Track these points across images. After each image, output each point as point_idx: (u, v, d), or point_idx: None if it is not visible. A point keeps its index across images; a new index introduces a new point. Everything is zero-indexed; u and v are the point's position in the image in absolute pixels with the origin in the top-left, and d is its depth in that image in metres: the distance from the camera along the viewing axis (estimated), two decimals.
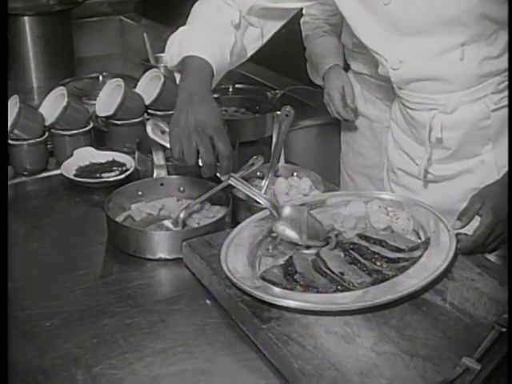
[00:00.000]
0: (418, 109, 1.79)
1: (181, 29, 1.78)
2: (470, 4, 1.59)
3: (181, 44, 1.71)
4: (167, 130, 1.57)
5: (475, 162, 1.79)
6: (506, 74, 1.70)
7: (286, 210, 1.55)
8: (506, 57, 1.68)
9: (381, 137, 2.22)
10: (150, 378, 1.25)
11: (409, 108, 1.82)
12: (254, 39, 1.85)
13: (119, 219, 1.69)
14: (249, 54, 1.86)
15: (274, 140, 1.89)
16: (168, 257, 1.59)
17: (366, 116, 2.30)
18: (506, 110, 1.73)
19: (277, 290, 1.37)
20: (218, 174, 1.54)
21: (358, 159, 2.35)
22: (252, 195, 1.56)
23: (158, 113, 2.17)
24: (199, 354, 1.30)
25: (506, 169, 1.65)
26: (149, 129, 1.59)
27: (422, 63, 1.71)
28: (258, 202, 1.56)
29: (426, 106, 1.77)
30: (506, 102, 1.72)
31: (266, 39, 1.86)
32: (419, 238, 1.55)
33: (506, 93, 1.71)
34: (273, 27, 1.86)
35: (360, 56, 2.22)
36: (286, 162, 1.91)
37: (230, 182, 1.56)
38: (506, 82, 1.70)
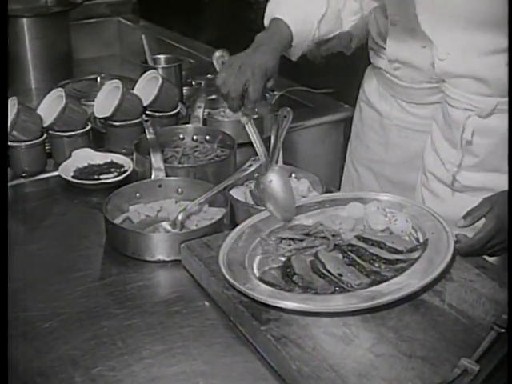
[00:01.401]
0: (455, 106, 1.78)
1: None
2: None
3: (273, 5, 1.83)
4: None
5: (500, 182, 1.72)
6: None
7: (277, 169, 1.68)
8: None
9: (389, 133, 2.22)
10: (148, 380, 1.25)
11: (448, 104, 1.80)
12: (352, 13, 1.90)
13: (117, 221, 1.69)
14: (345, 28, 1.93)
15: (272, 141, 1.89)
16: (166, 259, 1.59)
17: (378, 111, 2.29)
18: None
19: (275, 291, 1.37)
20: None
21: (364, 152, 2.34)
22: (255, 145, 1.73)
23: (156, 114, 2.17)
24: (198, 356, 1.30)
25: None
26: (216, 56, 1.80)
27: (468, 60, 1.70)
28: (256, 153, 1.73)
29: (464, 104, 1.76)
30: None
31: (364, 14, 1.92)
32: (417, 240, 1.55)
33: None
34: (371, 4, 1.91)
35: (380, 50, 2.20)
36: (285, 163, 1.91)
37: (246, 125, 1.72)
38: None
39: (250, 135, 1.74)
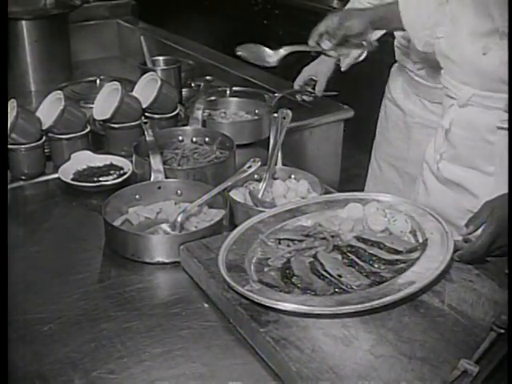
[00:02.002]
0: (446, 94, 1.83)
1: None
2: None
3: None
4: None
5: (476, 181, 1.79)
6: None
7: None
8: None
9: (411, 131, 2.26)
10: (148, 382, 1.25)
11: (444, 93, 1.85)
12: None
13: (117, 223, 1.69)
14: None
15: (271, 142, 1.89)
16: (166, 260, 1.59)
17: (402, 108, 2.32)
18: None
19: (274, 293, 1.37)
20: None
21: (388, 149, 2.38)
22: None
23: (156, 116, 2.17)
24: (197, 358, 1.30)
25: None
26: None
27: (455, 44, 1.74)
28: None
29: (450, 92, 1.80)
30: None
31: None
32: (417, 240, 1.55)
33: None
34: None
35: (405, 50, 2.24)
36: (284, 164, 1.91)
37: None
38: None
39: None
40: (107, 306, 1.46)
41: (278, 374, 1.25)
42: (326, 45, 2.02)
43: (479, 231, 1.50)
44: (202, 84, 2.44)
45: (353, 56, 2.29)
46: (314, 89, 2.44)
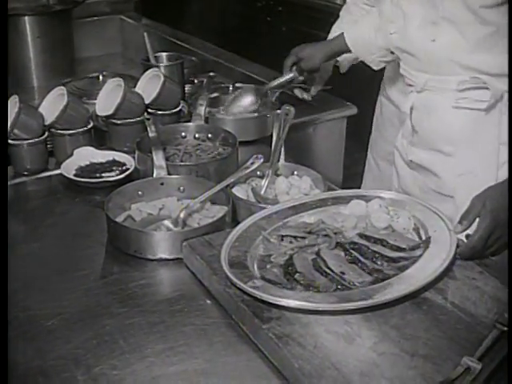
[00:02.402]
0: (406, 82, 1.94)
1: None
2: None
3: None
4: None
5: (438, 161, 1.89)
6: (471, 75, 1.78)
7: None
8: (473, 56, 1.77)
9: None
10: (150, 379, 1.25)
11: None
12: None
13: (119, 219, 1.69)
14: None
15: (274, 139, 1.89)
16: (168, 257, 1.59)
17: (396, 105, 2.32)
18: (467, 113, 1.81)
19: (277, 289, 1.36)
20: None
21: (384, 145, 2.39)
22: None
23: (158, 112, 2.17)
24: (199, 355, 1.30)
25: (465, 179, 1.81)
26: None
27: (406, 35, 1.86)
28: None
29: (408, 80, 1.92)
30: (467, 105, 1.81)
31: None
32: (420, 237, 1.55)
33: (468, 95, 1.80)
34: None
35: None
36: (287, 161, 1.90)
37: None
38: (469, 85, 1.79)
39: None
40: (110, 302, 1.46)
41: (280, 370, 1.25)
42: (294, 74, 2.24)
43: (474, 226, 1.50)
44: (205, 80, 2.45)
45: (350, 59, 2.34)
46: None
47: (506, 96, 1.79)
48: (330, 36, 2.35)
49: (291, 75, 2.21)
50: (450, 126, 1.84)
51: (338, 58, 2.28)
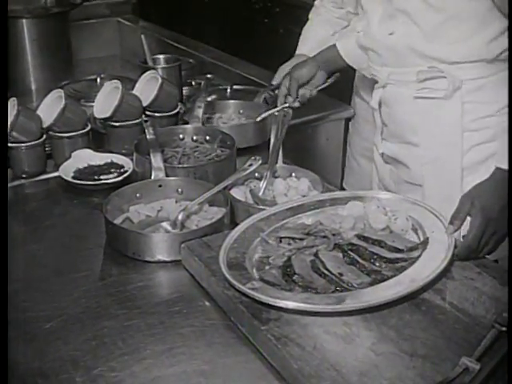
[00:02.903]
0: (373, 78, 1.98)
1: None
2: None
3: None
4: None
5: (406, 152, 1.93)
6: (429, 65, 1.81)
7: None
8: (430, 45, 1.80)
9: None
10: (149, 380, 1.25)
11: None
12: None
13: (118, 221, 1.69)
14: None
15: (272, 140, 1.89)
16: (167, 259, 1.59)
17: (367, 102, 2.36)
18: (428, 102, 1.85)
19: (276, 291, 1.37)
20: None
21: (362, 142, 2.44)
22: None
23: (156, 114, 2.17)
24: (198, 356, 1.30)
25: (432, 167, 1.86)
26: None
27: (369, 32, 1.90)
28: None
29: (374, 76, 1.95)
30: (428, 94, 1.84)
31: None
32: (418, 238, 1.55)
33: (427, 85, 1.83)
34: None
35: None
36: (285, 162, 1.91)
37: None
38: (428, 75, 1.82)
39: None
40: (108, 303, 1.46)
41: (279, 371, 1.25)
42: (289, 99, 2.20)
43: (466, 226, 1.51)
44: (203, 82, 2.45)
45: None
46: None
47: (466, 85, 1.81)
48: (302, 37, 2.43)
49: (286, 105, 2.20)
50: (412, 116, 1.88)
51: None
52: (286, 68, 2.44)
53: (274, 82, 2.43)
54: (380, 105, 1.96)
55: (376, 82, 1.96)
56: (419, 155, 1.89)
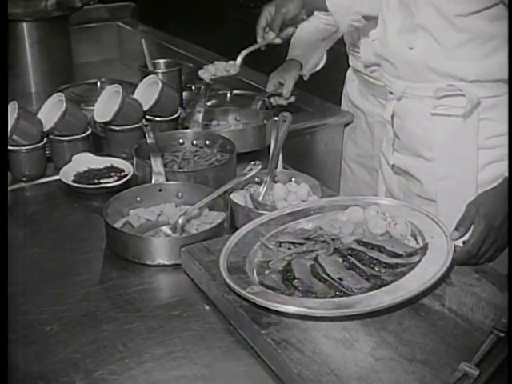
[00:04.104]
0: (387, 90, 1.95)
1: None
2: None
3: None
4: None
5: (419, 166, 1.91)
6: (448, 83, 1.79)
7: None
8: (448, 62, 1.78)
9: (374, 130, 2.38)
10: None
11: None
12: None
13: (118, 225, 1.69)
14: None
15: (271, 146, 1.89)
16: (167, 263, 1.59)
17: (362, 110, 2.42)
18: (445, 120, 1.83)
19: (275, 295, 1.37)
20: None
21: (354, 149, 2.47)
22: None
23: (156, 118, 2.17)
24: (198, 360, 1.30)
25: (446, 183, 1.84)
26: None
27: (386, 43, 1.87)
28: None
29: (388, 88, 1.93)
30: (445, 112, 1.82)
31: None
32: (417, 244, 1.55)
33: (445, 102, 1.81)
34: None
35: (357, 56, 2.33)
36: (284, 167, 1.91)
37: None
38: (446, 92, 1.80)
39: None
40: (108, 307, 1.46)
41: (278, 375, 1.25)
42: (270, 35, 2.22)
43: (469, 232, 1.52)
44: (203, 87, 2.45)
45: (312, 64, 2.52)
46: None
47: (483, 102, 1.79)
48: (292, 43, 2.49)
49: (267, 41, 2.23)
50: (428, 132, 1.86)
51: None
52: (276, 75, 2.47)
53: (268, 90, 2.45)
54: (393, 116, 1.94)
55: (390, 92, 1.94)
56: (433, 170, 1.87)
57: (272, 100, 2.46)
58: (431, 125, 1.85)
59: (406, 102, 1.89)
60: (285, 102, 2.42)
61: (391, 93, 1.93)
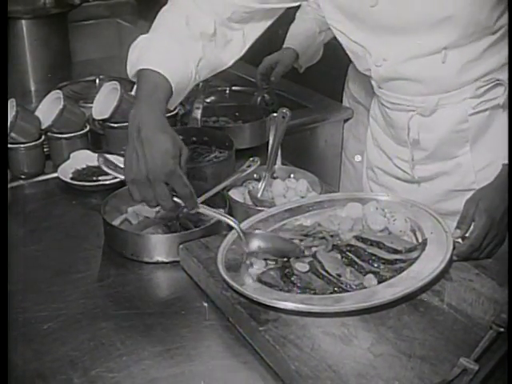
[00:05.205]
0: (395, 109, 1.78)
1: (142, 37, 1.72)
2: (464, 3, 1.56)
3: (140, 54, 1.63)
4: (119, 164, 1.56)
5: (453, 164, 1.78)
6: (486, 78, 1.68)
7: (254, 243, 1.51)
8: (485, 61, 1.67)
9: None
10: (147, 381, 1.25)
11: (387, 108, 1.81)
12: (235, 46, 1.77)
13: (116, 222, 1.69)
14: (230, 63, 1.78)
15: (270, 142, 1.89)
16: (165, 260, 1.59)
17: (364, 105, 2.39)
18: (484, 114, 1.72)
19: (274, 292, 1.37)
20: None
21: (356, 145, 2.45)
22: (222, 218, 1.55)
23: None
24: (196, 357, 1.30)
25: (484, 172, 1.71)
26: (100, 162, 1.60)
27: (405, 63, 1.68)
28: (230, 226, 1.54)
29: (404, 107, 1.75)
30: (484, 107, 1.71)
31: (249, 44, 1.79)
32: (416, 239, 1.55)
33: (485, 97, 1.70)
34: (257, 31, 1.79)
35: None
36: (283, 163, 1.91)
37: (200, 211, 1.54)
38: (485, 87, 1.69)
39: (211, 214, 1.58)
40: (107, 304, 1.46)
41: (277, 372, 1.25)
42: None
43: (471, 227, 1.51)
44: (201, 83, 2.44)
45: (308, 56, 2.52)
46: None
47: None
48: (290, 33, 2.52)
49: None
50: (465, 132, 1.73)
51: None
52: (270, 59, 2.48)
53: (259, 75, 2.51)
54: (418, 133, 1.76)
55: (411, 110, 1.75)
56: (470, 164, 1.75)
57: (259, 82, 2.51)
58: (468, 125, 1.72)
59: (437, 113, 1.73)
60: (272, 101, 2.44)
61: (410, 110, 1.74)
